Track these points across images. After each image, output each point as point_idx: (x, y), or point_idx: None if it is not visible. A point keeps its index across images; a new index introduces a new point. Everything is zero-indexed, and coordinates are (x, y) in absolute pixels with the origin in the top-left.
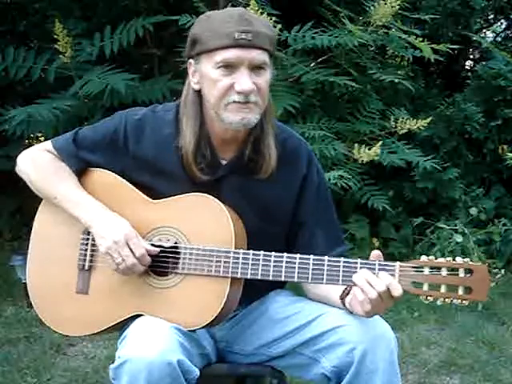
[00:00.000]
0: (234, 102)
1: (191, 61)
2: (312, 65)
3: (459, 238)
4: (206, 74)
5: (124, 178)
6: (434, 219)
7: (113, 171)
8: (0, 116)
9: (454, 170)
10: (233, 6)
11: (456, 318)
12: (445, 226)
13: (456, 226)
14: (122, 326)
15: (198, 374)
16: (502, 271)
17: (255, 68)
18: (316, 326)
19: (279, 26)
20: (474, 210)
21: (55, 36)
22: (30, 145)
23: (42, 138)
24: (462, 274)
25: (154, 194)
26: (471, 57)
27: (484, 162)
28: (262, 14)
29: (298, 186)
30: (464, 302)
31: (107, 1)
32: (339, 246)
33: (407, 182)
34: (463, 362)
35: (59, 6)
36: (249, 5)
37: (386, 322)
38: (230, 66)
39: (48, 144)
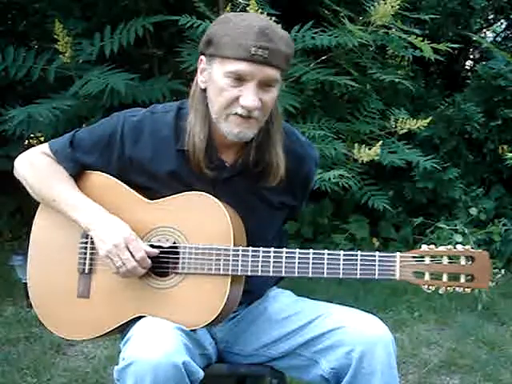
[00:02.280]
0: (237, 114)
1: (203, 58)
2: (312, 65)
3: (459, 238)
4: (214, 79)
5: (121, 180)
6: (434, 219)
7: (110, 173)
8: (0, 116)
9: (454, 170)
10: (233, 6)
11: (456, 318)
12: (445, 226)
13: (456, 225)
14: (123, 328)
15: (203, 375)
16: (502, 271)
17: (264, 85)
18: (315, 327)
19: (279, 26)
20: (473, 210)
21: (55, 36)
22: (30, 145)
23: (42, 138)
24: (463, 261)
25: (151, 195)
26: (471, 57)
27: (484, 162)
28: (261, 13)
29: (300, 187)
30: (466, 289)
31: (107, 1)
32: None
33: (407, 182)
34: (463, 361)
35: (59, 6)
36: (248, 5)
37: (386, 322)
38: (239, 79)
39: (45, 147)
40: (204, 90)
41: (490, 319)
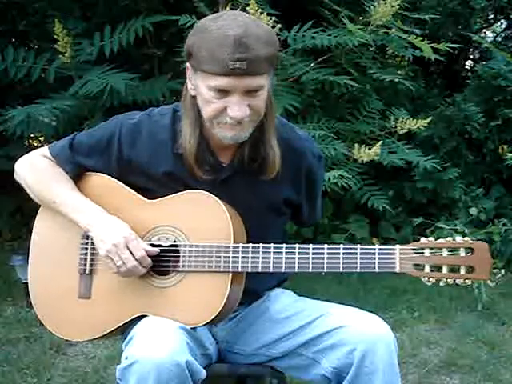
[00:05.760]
0: (227, 122)
1: (188, 65)
2: (312, 65)
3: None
4: (199, 90)
5: (121, 181)
6: (434, 219)
7: (110, 175)
8: (0, 116)
9: (454, 169)
10: (233, 6)
11: (456, 318)
12: (445, 226)
13: (456, 225)
14: (124, 328)
15: (205, 374)
16: (502, 271)
17: (250, 91)
18: (316, 327)
19: (279, 25)
20: (474, 210)
21: (55, 36)
22: (30, 145)
23: (42, 138)
24: (462, 253)
25: (151, 195)
26: (471, 57)
27: (484, 162)
28: (261, 13)
29: (303, 183)
30: (467, 281)
31: (107, 1)
32: (316, 216)
33: (407, 182)
34: (463, 361)
35: (59, 6)
36: (248, 5)
37: (386, 322)
38: (223, 91)
39: (45, 150)
40: (194, 97)
41: (489, 319)
